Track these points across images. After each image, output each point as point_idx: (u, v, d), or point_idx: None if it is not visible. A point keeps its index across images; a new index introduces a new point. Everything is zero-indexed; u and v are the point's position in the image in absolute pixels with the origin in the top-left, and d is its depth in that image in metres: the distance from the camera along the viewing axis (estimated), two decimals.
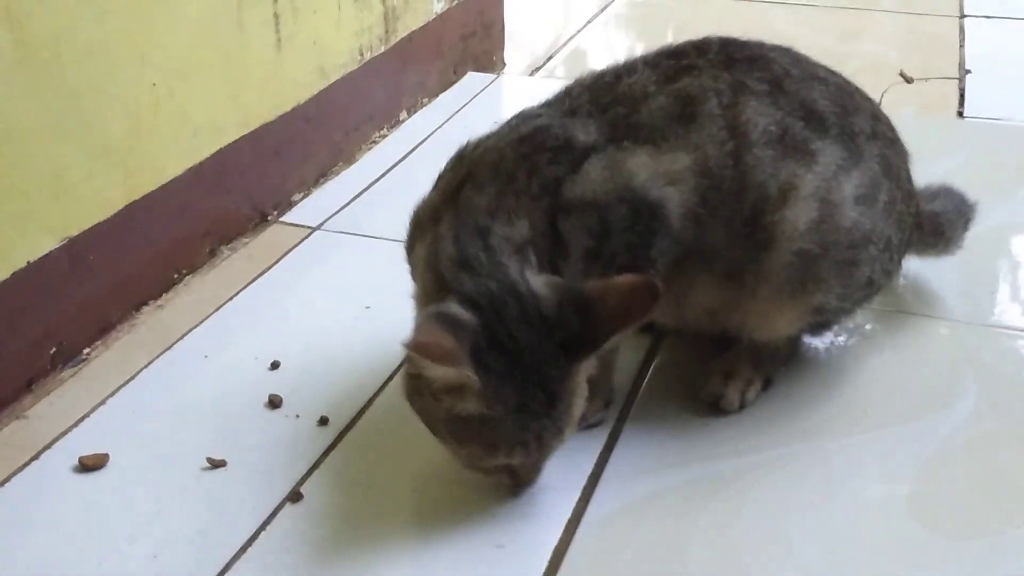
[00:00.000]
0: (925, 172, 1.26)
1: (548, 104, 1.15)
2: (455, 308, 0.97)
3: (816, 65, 1.17)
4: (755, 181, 1.07)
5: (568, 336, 0.96)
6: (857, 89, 1.19)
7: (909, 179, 1.21)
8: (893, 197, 1.15)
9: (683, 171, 1.06)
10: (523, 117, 1.13)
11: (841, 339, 1.29)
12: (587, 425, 1.15)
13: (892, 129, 1.19)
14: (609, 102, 1.10)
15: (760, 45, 1.16)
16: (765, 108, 1.08)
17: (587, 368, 1.00)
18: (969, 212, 1.37)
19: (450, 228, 1.04)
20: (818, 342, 1.28)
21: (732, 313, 1.15)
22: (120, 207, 1.33)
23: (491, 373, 0.94)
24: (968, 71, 2.19)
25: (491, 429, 0.96)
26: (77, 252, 1.28)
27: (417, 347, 0.92)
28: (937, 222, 1.32)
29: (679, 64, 1.12)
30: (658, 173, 1.06)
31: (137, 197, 1.36)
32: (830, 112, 1.11)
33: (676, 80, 1.10)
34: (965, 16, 2.54)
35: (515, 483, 1.05)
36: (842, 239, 1.10)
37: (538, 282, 1.00)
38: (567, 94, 1.15)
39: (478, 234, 1.02)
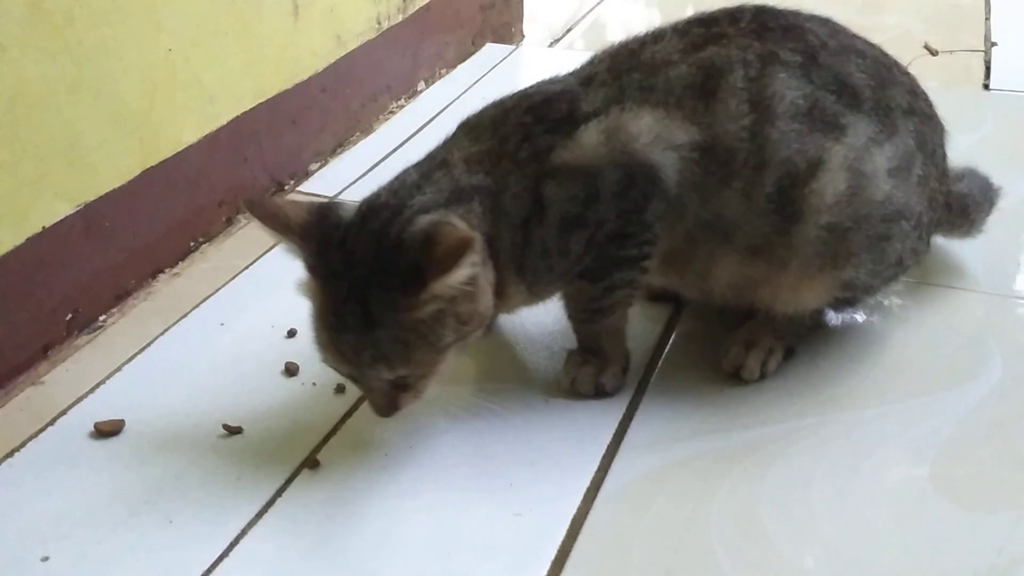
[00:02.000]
0: (951, 145, 1.24)
1: (573, 71, 1.13)
2: (348, 207, 1.02)
3: (855, 37, 1.14)
4: (779, 156, 1.05)
5: (409, 269, 0.94)
6: (896, 63, 1.16)
7: (944, 157, 1.19)
8: (927, 173, 1.13)
9: (688, 143, 1.04)
10: (542, 84, 1.12)
11: (865, 310, 1.27)
12: (605, 393, 1.14)
13: (930, 105, 1.17)
14: (627, 69, 1.09)
15: (797, 15, 1.13)
16: (795, 81, 1.06)
17: (431, 313, 0.96)
18: (994, 196, 1.34)
19: (425, 155, 1.08)
20: (841, 313, 1.26)
21: (759, 288, 1.13)
22: (136, 174, 1.32)
23: (324, 265, 0.98)
24: (994, 43, 2.16)
25: (317, 326, 1.00)
26: (93, 218, 1.27)
27: (248, 201, 1.02)
28: (964, 204, 1.30)
29: (708, 32, 1.10)
30: (661, 137, 1.04)
31: (153, 164, 1.35)
32: (865, 86, 1.08)
33: (702, 49, 1.08)
34: None
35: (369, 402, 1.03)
36: (875, 212, 1.08)
37: (429, 216, 0.98)
38: (590, 61, 1.14)
39: (435, 165, 1.05)
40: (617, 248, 1.07)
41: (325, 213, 1.01)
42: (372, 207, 1.01)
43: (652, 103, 1.05)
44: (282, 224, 0.99)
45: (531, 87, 1.12)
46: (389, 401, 1.01)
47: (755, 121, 1.05)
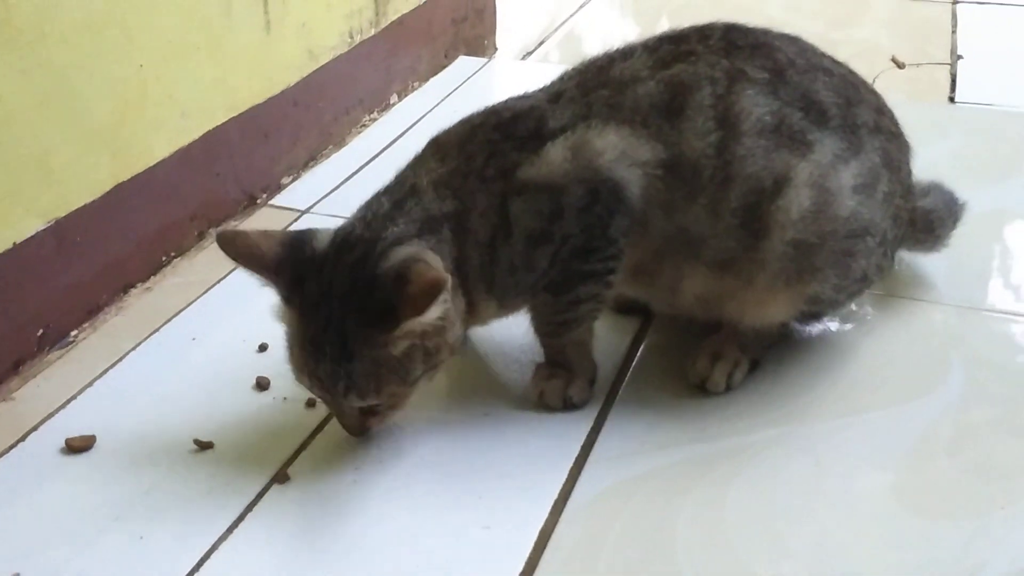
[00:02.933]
0: (916, 157, 1.26)
1: (543, 88, 1.14)
2: (321, 234, 1.04)
3: (823, 56, 1.16)
4: (745, 172, 1.06)
5: (384, 306, 0.97)
6: (863, 82, 1.18)
7: (909, 175, 1.21)
8: (893, 190, 1.15)
9: (653, 161, 1.06)
10: (511, 100, 1.13)
11: (830, 322, 1.29)
12: (572, 406, 1.15)
13: (896, 124, 1.18)
14: (595, 85, 1.10)
15: (766, 33, 1.15)
16: (762, 98, 1.07)
17: (404, 349, 1.00)
18: (958, 211, 1.36)
19: (395, 177, 1.10)
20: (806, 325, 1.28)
21: (727, 302, 1.14)
22: (107, 189, 1.33)
23: (300, 296, 1.01)
24: (960, 56, 2.19)
25: (294, 350, 1.03)
26: (64, 234, 1.27)
27: (220, 237, 1.04)
28: (929, 219, 1.32)
29: (678, 49, 1.11)
30: (626, 154, 1.05)
31: (124, 179, 1.35)
32: (832, 103, 1.10)
33: (670, 66, 1.09)
34: (957, 2, 2.53)
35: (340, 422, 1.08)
36: (840, 228, 1.09)
37: (403, 249, 1.01)
38: (560, 78, 1.15)
39: (406, 192, 1.06)
40: (581, 262, 1.08)
41: (299, 245, 1.03)
42: (347, 240, 1.03)
43: (618, 120, 1.06)
44: (256, 261, 1.02)
45: (500, 104, 1.13)
46: (359, 424, 1.06)
47: (722, 138, 1.06)
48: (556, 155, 1.05)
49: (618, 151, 1.05)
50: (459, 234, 1.05)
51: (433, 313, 0.96)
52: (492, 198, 1.06)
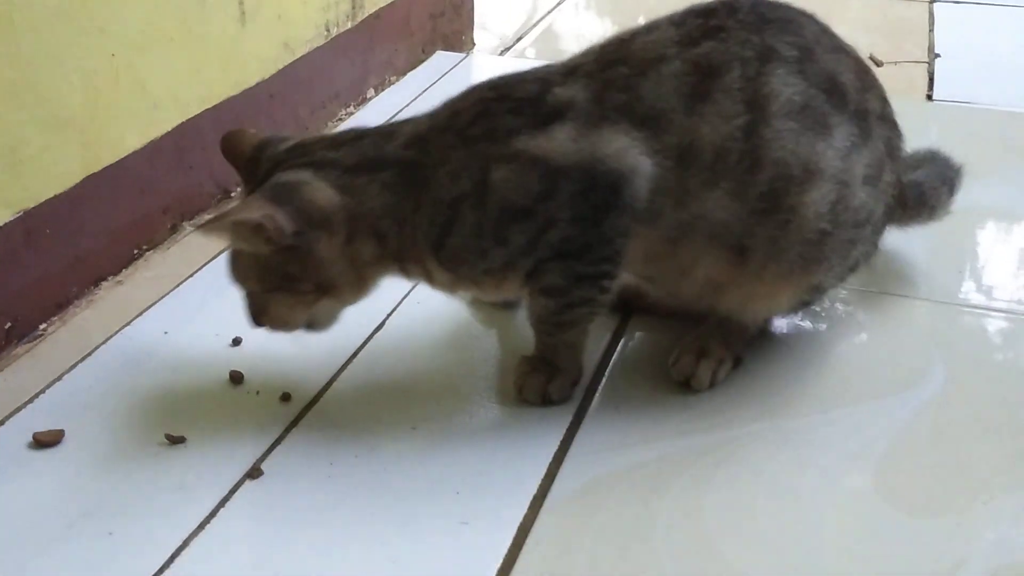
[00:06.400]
0: None
1: (561, 61, 1.10)
2: (288, 141, 1.12)
3: (838, 37, 1.14)
4: (773, 156, 1.03)
5: None
6: (869, 68, 1.16)
7: (901, 164, 1.20)
8: (891, 180, 1.14)
9: (665, 150, 1.03)
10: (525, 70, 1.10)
11: (809, 318, 1.29)
12: (551, 402, 1.14)
13: (893, 113, 1.17)
14: (614, 60, 1.06)
15: (789, 8, 1.11)
16: (791, 78, 1.04)
17: (248, 251, 1.06)
18: (954, 177, 1.34)
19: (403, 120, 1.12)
20: (787, 320, 1.27)
21: (733, 291, 1.12)
22: (78, 180, 1.30)
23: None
24: (937, 55, 2.20)
25: None
26: (33, 226, 1.24)
27: (225, 137, 1.15)
28: (920, 191, 1.30)
29: (707, 24, 1.06)
30: (636, 143, 1.02)
31: (95, 170, 1.33)
32: (851, 87, 1.08)
33: (699, 44, 1.05)
34: (935, 1, 2.55)
35: None
36: (850, 219, 1.08)
37: (303, 173, 1.05)
38: (581, 53, 1.10)
39: (382, 131, 1.10)
40: (575, 262, 1.06)
41: (263, 147, 1.10)
42: (295, 147, 1.08)
43: (636, 123, 1.02)
44: (233, 158, 1.13)
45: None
46: (250, 309, 1.11)
47: (750, 121, 1.03)
48: (564, 137, 1.02)
49: (628, 140, 1.02)
50: (413, 185, 1.04)
51: (223, 236, 1.05)
52: (470, 159, 1.03)
